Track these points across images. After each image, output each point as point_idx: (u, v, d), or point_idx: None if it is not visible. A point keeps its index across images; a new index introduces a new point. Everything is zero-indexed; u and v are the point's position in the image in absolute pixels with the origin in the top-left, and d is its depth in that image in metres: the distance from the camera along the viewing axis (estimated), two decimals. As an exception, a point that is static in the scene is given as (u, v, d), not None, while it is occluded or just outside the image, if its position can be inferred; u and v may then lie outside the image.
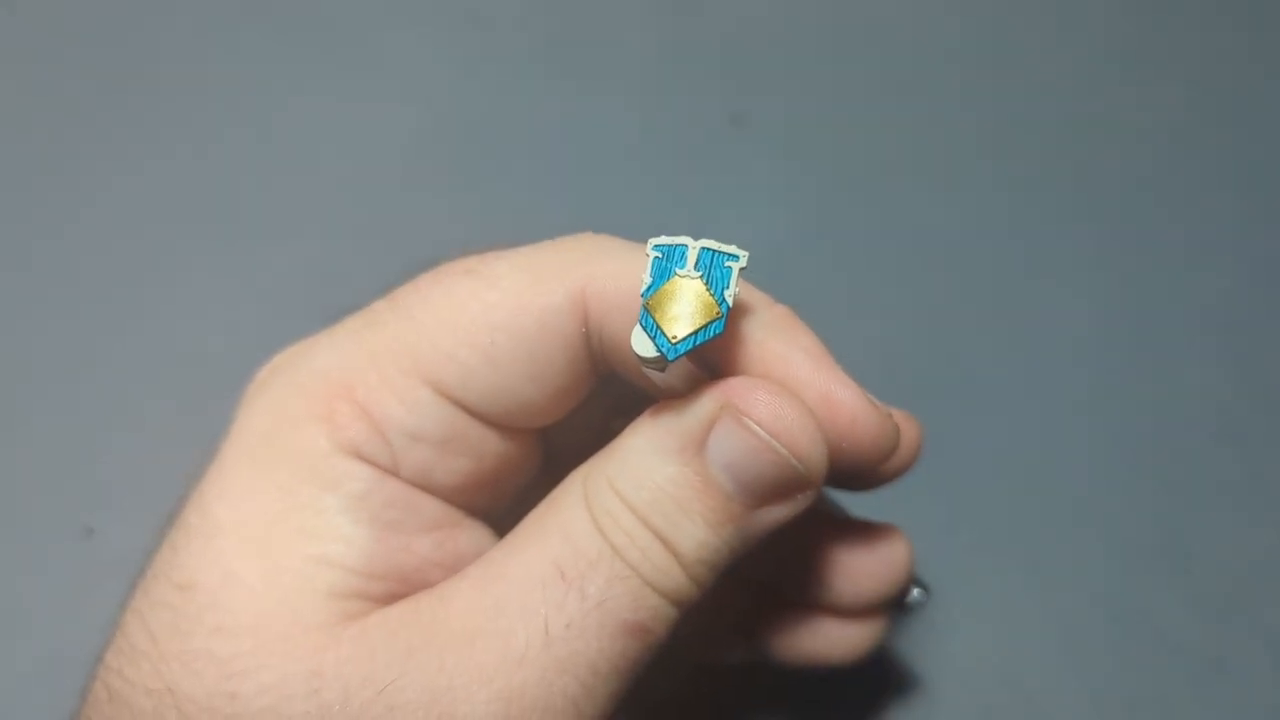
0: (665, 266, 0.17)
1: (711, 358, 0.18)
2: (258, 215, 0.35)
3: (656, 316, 0.17)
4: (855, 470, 0.20)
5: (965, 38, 0.41)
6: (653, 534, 0.17)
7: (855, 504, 0.30)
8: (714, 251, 0.18)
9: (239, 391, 0.21)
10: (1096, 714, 0.26)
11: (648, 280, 0.17)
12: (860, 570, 0.23)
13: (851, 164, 0.37)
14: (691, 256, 0.17)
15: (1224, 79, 0.40)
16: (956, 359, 0.33)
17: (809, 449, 0.18)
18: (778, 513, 0.18)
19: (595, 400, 0.21)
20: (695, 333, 0.17)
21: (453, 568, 0.19)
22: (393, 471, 0.19)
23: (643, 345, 0.17)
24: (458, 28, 0.40)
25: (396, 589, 0.19)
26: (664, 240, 0.17)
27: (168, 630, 0.17)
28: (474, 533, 0.20)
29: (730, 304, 0.17)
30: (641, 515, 0.17)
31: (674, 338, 0.17)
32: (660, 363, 0.17)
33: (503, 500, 0.21)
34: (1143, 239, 0.36)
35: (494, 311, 0.18)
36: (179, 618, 0.18)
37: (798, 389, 0.19)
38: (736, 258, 0.18)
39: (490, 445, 0.20)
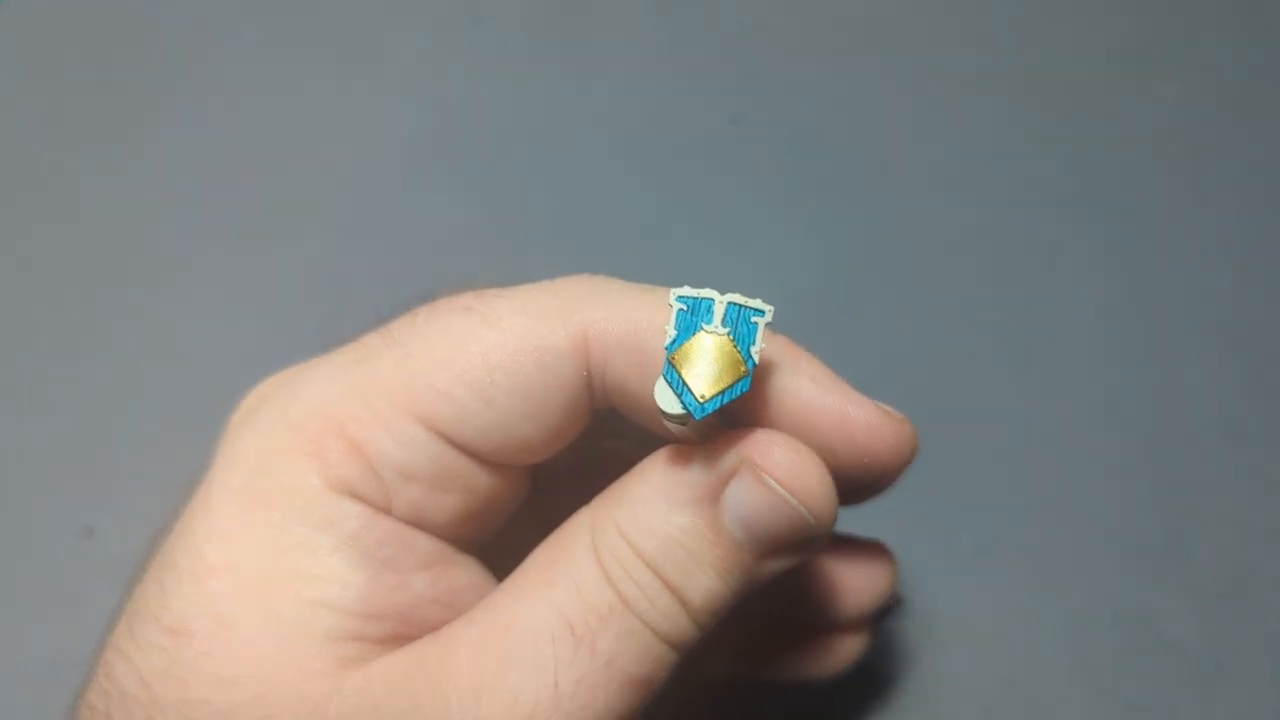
0: (691, 321, 0.17)
1: (729, 408, 0.18)
2: (257, 215, 0.35)
3: (683, 373, 0.17)
4: (876, 480, 0.20)
5: (966, 37, 0.41)
6: (663, 584, 0.17)
7: (856, 505, 0.30)
8: (740, 306, 0.17)
9: (240, 392, 0.21)
10: (1096, 714, 0.26)
11: (672, 333, 0.17)
12: (851, 587, 0.23)
13: (852, 164, 0.37)
14: (719, 311, 0.17)
15: (1225, 79, 0.40)
16: (956, 359, 0.33)
17: (825, 506, 0.18)
18: (785, 562, 0.18)
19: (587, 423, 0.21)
20: (723, 391, 0.17)
21: (449, 604, 0.19)
22: (385, 509, 0.19)
23: (668, 401, 0.17)
24: (458, 27, 0.40)
25: (395, 629, 0.18)
26: (688, 292, 0.17)
27: (161, 676, 0.17)
28: (467, 567, 0.20)
29: (757, 361, 0.17)
30: (652, 564, 0.17)
31: (702, 396, 0.17)
32: (685, 419, 0.17)
33: (491, 530, 0.21)
34: (1143, 238, 0.36)
35: (494, 352, 0.18)
36: (173, 664, 0.17)
37: (811, 417, 0.19)
38: (763, 313, 0.17)
39: (483, 481, 0.20)
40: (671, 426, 0.17)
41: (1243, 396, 0.32)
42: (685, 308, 0.17)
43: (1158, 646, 0.28)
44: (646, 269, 0.34)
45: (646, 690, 0.17)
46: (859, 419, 0.19)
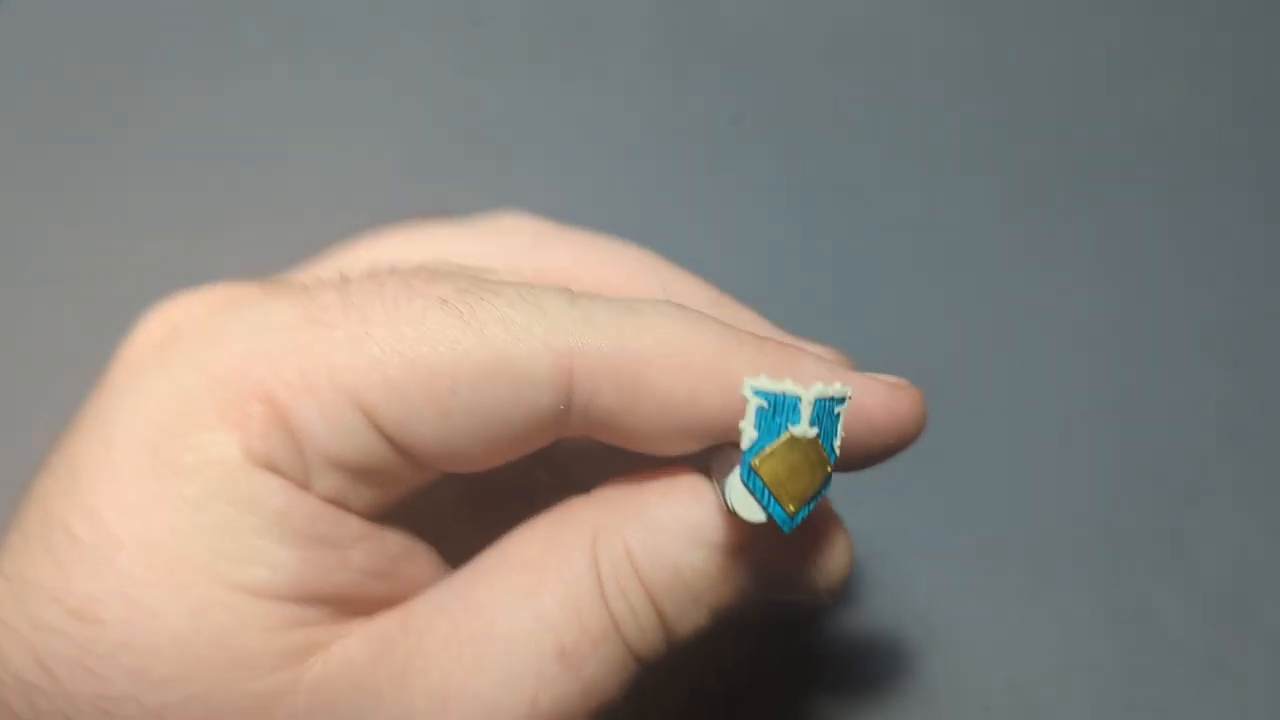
0: (774, 421, 0.16)
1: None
2: (257, 214, 0.35)
3: (769, 481, 0.15)
4: (890, 451, 0.19)
5: (966, 37, 0.41)
6: (658, 615, 0.17)
7: (855, 505, 0.30)
8: (826, 400, 0.16)
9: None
10: (1096, 714, 0.26)
11: (753, 435, 0.16)
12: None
13: (852, 164, 0.37)
14: (806, 412, 0.16)
15: (1225, 78, 0.40)
16: (956, 359, 0.33)
17: (840, 578, 0.18)
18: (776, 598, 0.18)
19: None
20: (812, 499, 0.16)
21: (389, 574, 0.18)
22: (305, 488, 0.17)
23: (749, 509, 0.15)
24: (457, 27, 0.40)
25: (336, 612, 0.17)
26: (768, 386, 0.16)
27: (69, 666, 0.15)
28: (396, 533, 0.18)
29: (838, 454, 0.16)
30: (654, 595, 0.17)
31: (792, 511, 0.16)
32: (770, 527, 0.16)
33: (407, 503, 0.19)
34: (1143, 238, 0.36)
35: (465, 362, 0.16)
36: (84, 655, 0.15)
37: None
38: (844, 400, 0.16)
39: (409, 476, 0.17)
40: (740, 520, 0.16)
41: (1242, 397, 0.32)
42: (766, 404, 0.16)
43: (1158, 646, 0.28)
44: (646, 269, 0.34)
45: (612, 704, 0.17)
46: (874, 404, 0.18)
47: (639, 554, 0.17)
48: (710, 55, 0.40)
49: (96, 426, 0.17)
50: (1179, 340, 0.33)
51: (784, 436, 0.16)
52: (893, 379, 0.19)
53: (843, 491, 0.30)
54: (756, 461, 0.15)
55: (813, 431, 0.16)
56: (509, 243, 0.21)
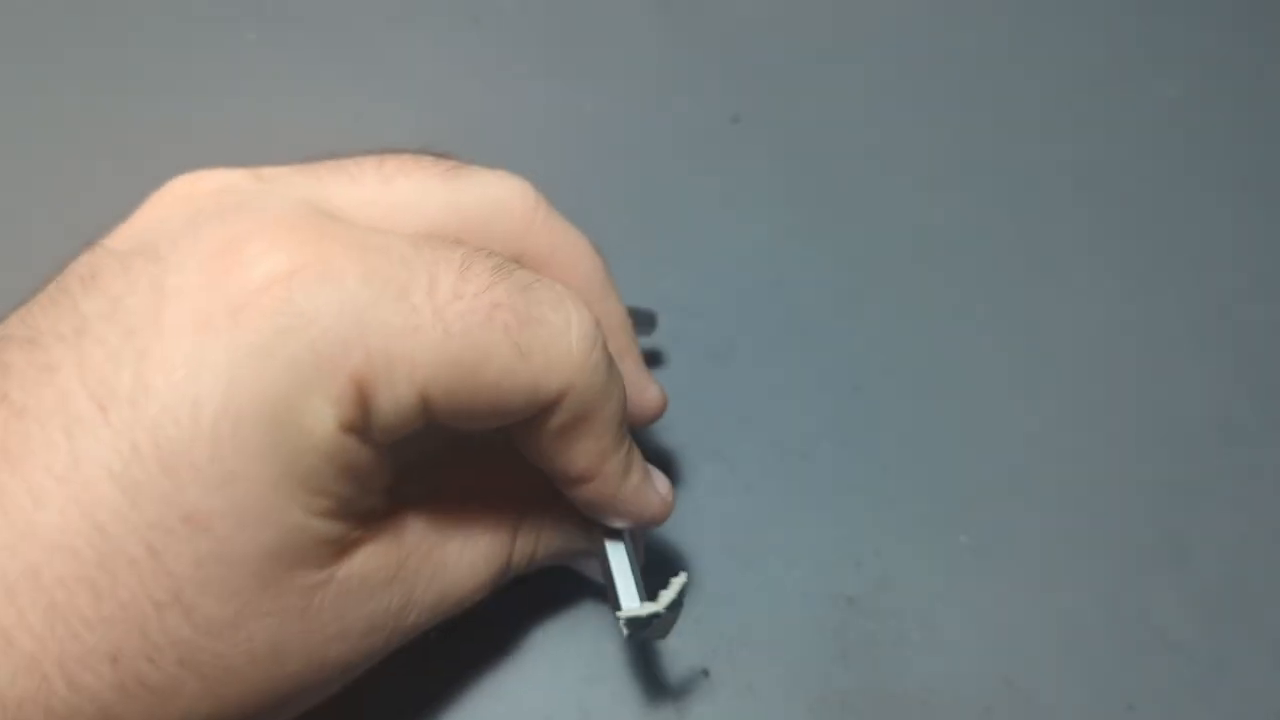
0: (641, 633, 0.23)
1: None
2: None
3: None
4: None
5: (966, 37, 0.41)
6: (540, 539, 0.25)
7: (856, 505, 0.30)
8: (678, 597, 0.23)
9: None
10: (1096, 714, 0.26)
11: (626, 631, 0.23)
12: None
13: (852, 164, 0.37)
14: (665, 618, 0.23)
15: (1225, 78, 0.40)
16: (955, 359, 0.33)
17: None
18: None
19: None
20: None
21: (392, 491, 0.21)
22: (366, 444, 0.20)
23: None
24: (457, 27, 0.40)
25: (356, 524, 0.20)
26: (636, 613, 0.22)
27: (187, 566, 0.18)
28: (399, 460, 0.22)
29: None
30: (539, 562, 0.25)
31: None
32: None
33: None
34: (1143, 238, 0.36)
35: (507, 380, 0.20)
36: (192, 551, 0.18)
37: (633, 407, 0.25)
38: (683, 588, 0.23)
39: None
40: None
41: (1242, 396, 0.32)
42: (633, 626, 0.22)
43: (1158, 646, 0.28)
44: (647, 268, 0.34)
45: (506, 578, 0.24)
46: (655, 402, 0.26)
47: (542, 545, 0.25)
48: (710, 55, 0.40)
49: (199, 371, 0.18)
50: (1179, 340, 0.33)
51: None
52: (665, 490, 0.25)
53: (844, 491, 0.30)
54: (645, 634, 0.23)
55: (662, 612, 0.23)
56: (507, 227, 0.23)
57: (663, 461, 0.30)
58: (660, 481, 0.25)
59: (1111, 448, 0.31)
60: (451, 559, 0.22)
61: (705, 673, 0.27)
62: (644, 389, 0.26)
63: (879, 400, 0.32)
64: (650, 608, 0.22)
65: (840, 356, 0.33)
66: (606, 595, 0.23)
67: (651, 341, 0.32)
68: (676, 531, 0.29)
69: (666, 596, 0.22)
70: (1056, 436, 0.31)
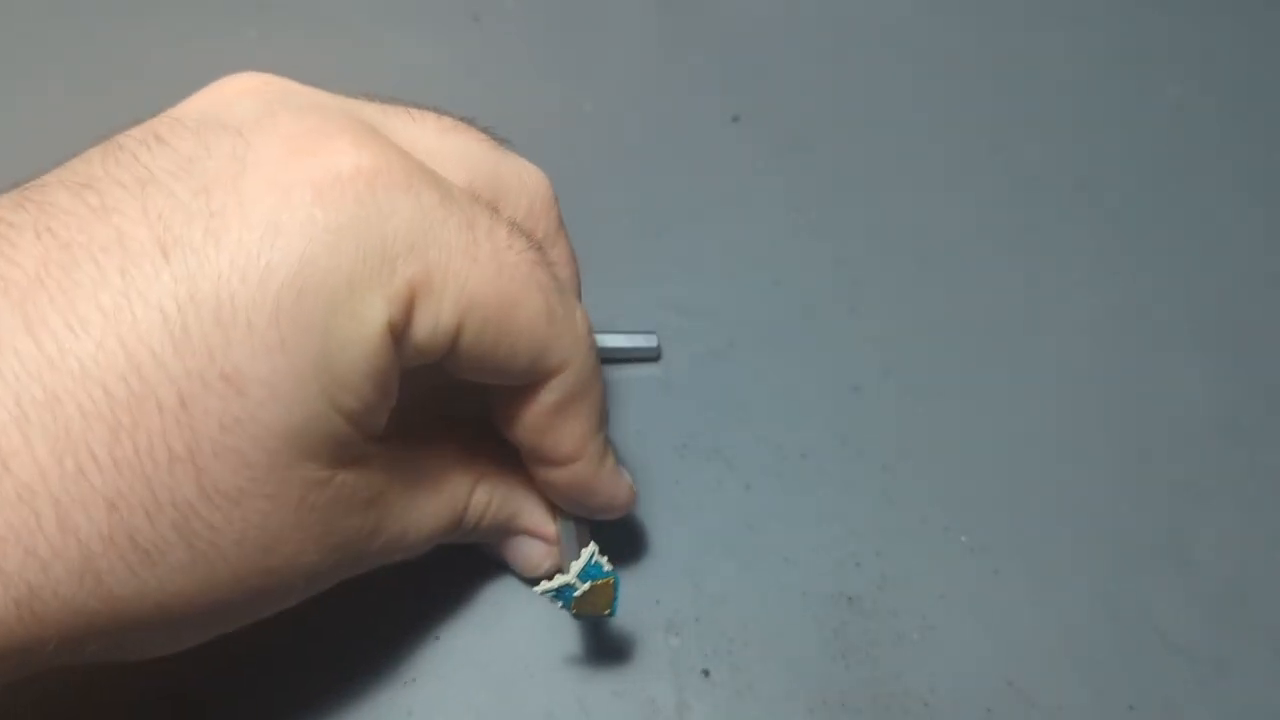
0: (568, 595, 0.24)
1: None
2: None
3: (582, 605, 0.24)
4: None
5: (966, 37, 0.41)
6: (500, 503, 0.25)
7: (856, 505, 0.30)
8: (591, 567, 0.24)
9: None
10: (1096, 714, 0.26)
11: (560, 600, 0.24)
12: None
13: (852, 164, 0.37)
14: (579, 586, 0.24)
15: (1225, 79, 0.40)
16: (956, 359, 0.33)
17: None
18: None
19: None
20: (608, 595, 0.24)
21: (396, 413, 0.22)
22: (399, 356, 0.20)
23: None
24: (457, 26, 0.40)
25: (367, 436, 0.21)
26: (550, 586, 0.24)
27: (214, 425, 0.18)
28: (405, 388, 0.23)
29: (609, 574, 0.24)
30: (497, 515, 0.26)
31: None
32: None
33: None
34: (1143, 238, 0.36)
35: (531, 328, 0.22)
36: (224, 413, 0.18)
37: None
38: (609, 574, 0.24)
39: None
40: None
41: (1242, 396, 0.32)
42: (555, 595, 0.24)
43: (1158, 646, 0.28)
44: (647, 268, 0.34)
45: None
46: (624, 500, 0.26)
47: (494, 508, 0.25)
48: (710, 55, 0.40)
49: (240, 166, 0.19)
50: (1179, 339, 0.33)
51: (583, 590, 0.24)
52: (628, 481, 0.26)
53: (844, 491, 0.30)
54: (575, 608, 0.24)
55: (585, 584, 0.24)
56: (530, 210, 0.24)
57: (663, 461, 0.30)
58: (626, 473, 0.26)
59: (1112, 447, 0.31)
60: (419, 500, 0.23)
61: (705, 673, 0.27)
62: None
63: (879, 400, 0.32)
64: (561, 579, 0.24)
65: (840, 356, 0.33)
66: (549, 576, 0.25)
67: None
68: (677, 531, 0.29)
69: (576, 567, 0.24)
70: (1057, 437, 0.31)
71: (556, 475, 0.24)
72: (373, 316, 0.19)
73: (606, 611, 0.24)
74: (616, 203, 0.35)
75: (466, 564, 0.27)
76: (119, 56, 0.39)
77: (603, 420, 0.24)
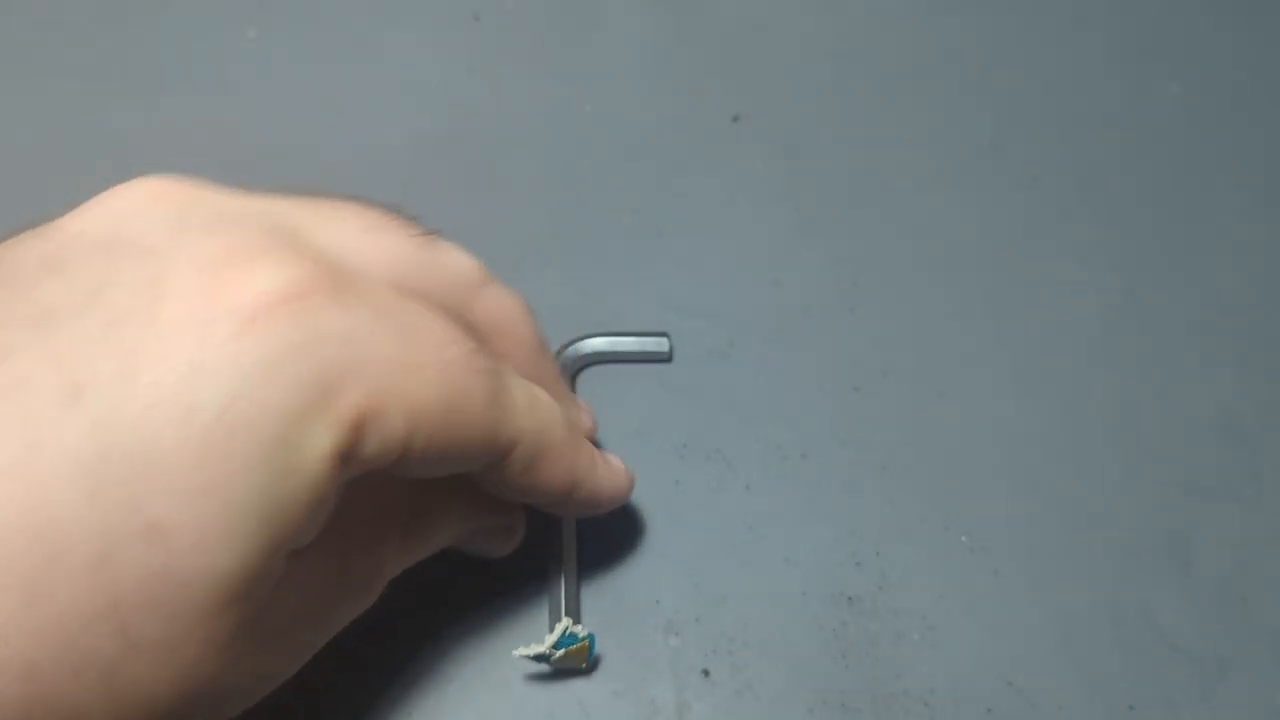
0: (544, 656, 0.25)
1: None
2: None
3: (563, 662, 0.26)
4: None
5: (966, 37, 0.41)
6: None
7: (856, 506, 0.30)
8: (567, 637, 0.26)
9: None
10: (1097, 714, 0.26)
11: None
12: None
13: (852, 164, 0.37)
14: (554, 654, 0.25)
15: (1225, 77, 0.40)
16: (956, 358, 0.33)
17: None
18: None
19: None
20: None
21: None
22: (344, 475, 0.19)
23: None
24: (457, 25, 0.40)
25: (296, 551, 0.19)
26: (528, 652, 0.25)
27: (143, 574, 0.17)
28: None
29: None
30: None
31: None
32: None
33: None
34: (1144, 236, 0.36)
35: (480, 438, 0.21)
36: (153, 561, 0.17)
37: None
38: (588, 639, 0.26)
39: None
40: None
41: (1243, 396, 0.32)
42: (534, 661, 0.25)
43: (1158, 646, 0.28)
44: (647, 268, 0.34)
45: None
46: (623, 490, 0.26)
47: (434, 540, 0.25)
48: (710, 55, 0.40)
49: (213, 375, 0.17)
50: (1179, 340, 0.33)
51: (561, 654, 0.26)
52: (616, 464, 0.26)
53: (844, 491, 0.30)
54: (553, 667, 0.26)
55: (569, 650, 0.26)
56: (462, 295, 0.23)
57: (663, 461, 0.30)
58: (614, 458, 0.26)
59: (1112, 447, 0.31)
60: (356, 571, 0.23)
61: (705, 673, 0.27)
62: (576, 416, 0.27)
63: (879, 400, 0.32)
64: (536, 649, 0.25)
65: (840, 356, 0.33)
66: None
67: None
68: (677, 531, 0.29)
69: (550, 639, 0.25)
70: (1057, 436, 0.31)
71: (568, 506, 0.24)
72: (315, 445, 0.18)
73: (583, 665, 0.26)
74: (616, 203, 0.35)
75: (466, 564, 0.27)
76: (119, 56, 0.39)
77: (574, 447, 0.24)
